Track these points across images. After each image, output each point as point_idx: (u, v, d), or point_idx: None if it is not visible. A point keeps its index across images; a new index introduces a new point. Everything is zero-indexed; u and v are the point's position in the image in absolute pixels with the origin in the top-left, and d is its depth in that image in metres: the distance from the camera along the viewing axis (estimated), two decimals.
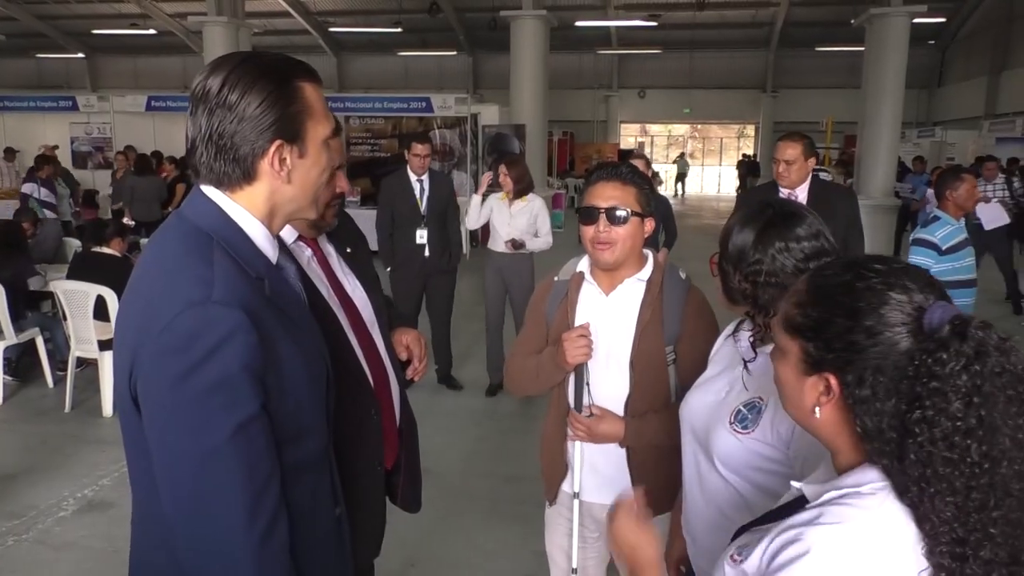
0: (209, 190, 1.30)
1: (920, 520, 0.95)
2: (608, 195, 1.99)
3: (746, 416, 1.53)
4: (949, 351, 0.94)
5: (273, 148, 1.27)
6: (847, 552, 0.95)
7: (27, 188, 9.45)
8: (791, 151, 3.80)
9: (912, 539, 0.96)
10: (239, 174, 1.28)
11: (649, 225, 2.03)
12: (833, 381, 1.03)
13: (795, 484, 1.15)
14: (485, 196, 5.59)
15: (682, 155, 30.73)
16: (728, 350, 1.77)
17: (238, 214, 1.30)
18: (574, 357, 1.98)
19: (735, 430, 1.54)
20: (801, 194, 3.84)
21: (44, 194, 9.48)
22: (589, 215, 1.99)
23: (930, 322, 0.97)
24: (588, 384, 2.05)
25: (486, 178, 5.69)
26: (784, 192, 3.83)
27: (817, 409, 1.06)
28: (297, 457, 1.30)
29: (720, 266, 1.61)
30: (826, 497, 1.03)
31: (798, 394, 1.09)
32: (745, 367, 1.58)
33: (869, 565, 0.95)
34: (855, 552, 0.95)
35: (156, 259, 1.28)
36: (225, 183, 1.29)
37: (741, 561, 1.07)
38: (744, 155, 29.01)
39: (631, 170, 2.05)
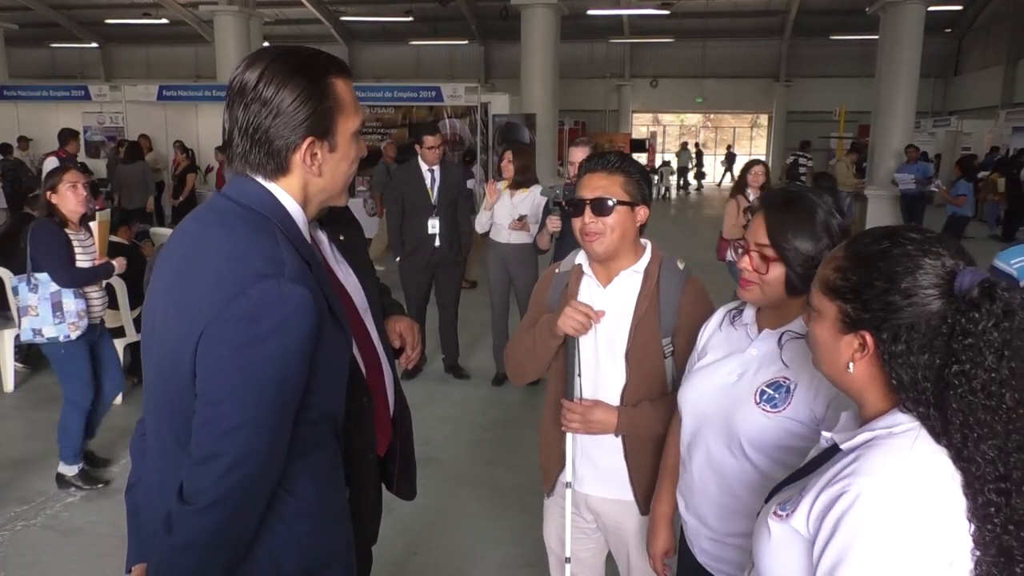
0: (256, 177, 1.34)
1: (965, 461, 1.05)
2: (594, 185, 1.97)
3: (772, 396, 1.58)
4: (981, 311, 1.04)
5: (305, 144, 1.33)
6: (894, 494, 1.04)
7: None
8: None
9: (949, 475, 1.06)
10: (273, 166, 1.33)
11: (642, 213, 2.01)
12: (868, 338, 1.14)
13: (826, 434, 1.23)
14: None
15: (684, 146, 27.22)
16: (727, 335, 1.78)
17: (285, 200, 1.35)
18: (565, 324, 1.96)
19: (764, 409, 1.58)
20: None
21: None
22: (576, 207, 1.98)
23: (961, 285, 1.07)
24: (580, 376, 2.04)
25: (492, 192, 5.43)
26: None
27: (851, 364, 1.17)
28: (319, 434, 1.37)
29: (785, 260, 1.58)
30: (860, 439, 1.13)
31: (833, 351, 1.20)
32: (779, 344, 1.63)
33: (915, 502, 1.04)
34: (902, 492, 1.04)
35: (216, 237, 1.31)
36: (261, 173, 1.34)
37: (786, 516, 1.14)
38: (729, 147, 28.43)
39: (620, 158, 2.02)
